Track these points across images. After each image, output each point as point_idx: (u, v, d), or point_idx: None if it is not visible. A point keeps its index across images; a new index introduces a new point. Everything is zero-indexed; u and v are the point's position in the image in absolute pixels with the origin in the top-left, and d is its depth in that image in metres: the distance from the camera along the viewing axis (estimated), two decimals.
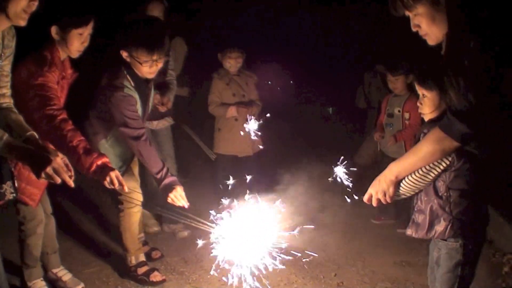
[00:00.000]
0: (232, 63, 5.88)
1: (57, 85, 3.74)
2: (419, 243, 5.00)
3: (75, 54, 3.85)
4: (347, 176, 3.35)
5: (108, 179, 3.44)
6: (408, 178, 2.93)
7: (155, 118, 5.16)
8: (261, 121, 4.52)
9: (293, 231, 3.22)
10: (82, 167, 3.46)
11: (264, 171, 6.03)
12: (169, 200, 3.80)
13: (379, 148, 6.01)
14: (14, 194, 3.14)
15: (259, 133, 4.74)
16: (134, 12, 4.93)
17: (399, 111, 5.73)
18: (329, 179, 3.38)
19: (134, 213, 4.53)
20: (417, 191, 3.03)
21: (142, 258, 4.65)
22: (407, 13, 2.73)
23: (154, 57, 3.93)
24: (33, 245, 4.08)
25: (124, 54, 3.96)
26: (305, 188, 4.00)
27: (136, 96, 4.05)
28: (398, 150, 5.64)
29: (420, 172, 2.91)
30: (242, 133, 5.18)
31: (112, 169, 3.48)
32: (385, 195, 2.92)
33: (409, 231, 3.20)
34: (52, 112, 3.51)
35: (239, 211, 3.10)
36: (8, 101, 3.25)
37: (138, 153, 4.01)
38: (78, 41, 3.77)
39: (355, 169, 3.42)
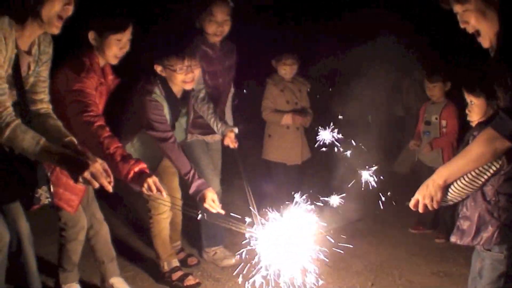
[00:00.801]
0: (287, 69, 5.80)
1: (96, 91, 3.74)
2: (457, 253, 4.94)
3: (113, 60, 3.84)
4: (373, 181, 3.31)
5: (145, 185, 3.45)
6: (457, 182, 2.85)
7: (209, 133, 4.98)
8: (336, 134, 4.46)
9: (331, 239, 3.18)
10: (120, 174, 3.46)
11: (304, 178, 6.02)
12: (206, 207, 3.80)
13: (416, 157, 5.93)
14: (50, 199, 3.15)
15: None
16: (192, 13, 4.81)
17: (436, 118, 5.69)
18: (352, 182, 3.35)
19: (163, 219, 4.57)
20: (464, 196, 2.95)
21: (176, 263, 4.66)
22: (456, 9, 2.68)
23: (186, 63, 4.04)
24: (73, 250, 4.08)
25: (159, 69, 4.09)
26: (342, 196, 3.99)
27: (164, 104, 4.11)
28: (436, 158, 5.58)
29: (470, 176, 2.83)
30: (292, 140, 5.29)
31: (150, 175, 3.48)
32: (432, 200, 2.84)
33: (453, 238, 3.12)
34: (89, 118, 3.52)
35: (278, 219, 3.07)
36: (46, 107, 3.26)
37: (167, 155, 4.07)
38: (116, 47, 3.76)
39: (381, 176, 3.37)
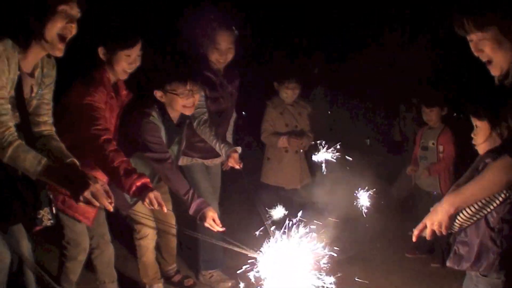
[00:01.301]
0: (289, 93, 5.80)
1: (105, 105, 3.80)
2: (452, 278, 4.93)
3: (122, 75, 3.93)
4: (368, 204, 3.32)
5: (147, 200, 3.50)
6: (466, 210, 2.85)
7: (209, 157, 5.00)
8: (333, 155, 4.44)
9: (328, 265, 3.19)
10: (123, 188, 3.53)
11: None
12: (206, 226, 3.82)
13: (413, 181, 5.95)
14: (52, 221, 3.18)
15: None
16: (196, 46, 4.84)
17: (433, 143, 5.69)
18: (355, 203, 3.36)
19: (147, 242, 4.62)
20: (470, 223, 2.94)
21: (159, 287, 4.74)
22: (472, 37, 2.70)
23: (188, 87, 4.09)
24: (71, 269, 4.10)
25: (159, 94, 4.14)
26: (340, 220, 4.00)
27: (161, 126, 4.16)
28: (433, 183, 5.63)
29: (479, 204, 2.83)
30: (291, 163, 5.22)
31: (152, 190, 3.52)
32: (441, 227, 2.84)
33: (449, 263, 3.12)
34: (96, 132, 3.57)
35: (276, 244, 3.08)
36: (49, 129, 3.31)
37: (164, 176, 4.10)
38: (125, 62, 3.84)
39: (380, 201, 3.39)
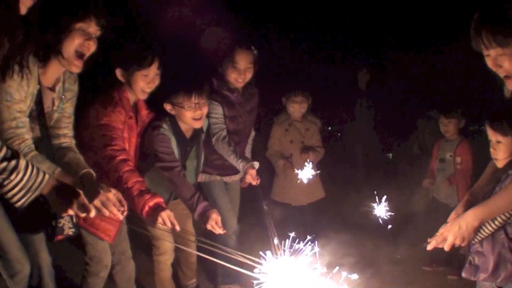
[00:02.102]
0: (296, 108, 5.72)
1: (123, 125, 3.84)
2: None
3: (141, 95, 3.97)
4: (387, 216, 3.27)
5: (160, 219, 3.50)
6: (490, 223, 2.88)
7: (228, 174, 4.98)
8: (318, 171, 4.35)
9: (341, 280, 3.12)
10: (136, 209, 3.55)
11: (317, 216, 5.97)
12: (208, 228, 3.83)
13: (431, 194, 5.94)
14: (74, 230, 3.24)
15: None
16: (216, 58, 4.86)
17: (450, 156, 5.68)
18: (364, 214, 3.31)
19: (165, 260, 4.63)
20: (490, 235, 2.96)
21: None
22: (491, 52, 2.64)
23: (194, 100, 4.11)
24: (92, 284, 4.10)
25: (168, 107, 4.19)
26: (354, 234, 3.94)
27: (172, 138, 4.20)
28: (451, 195, 5.61)
29: (503, 217, 2.86)
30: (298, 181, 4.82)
31: (164, 209, 3.53)
32: (463, 240, 2.81)
33: (465, 274, 3.15)
34: (112, 152, 3.62)
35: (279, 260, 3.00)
36: (69, 141, 3.42)
37: (171, 183, 4.11)
38: (143, 82, 3.88)
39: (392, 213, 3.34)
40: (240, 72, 4.69)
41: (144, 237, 4.50)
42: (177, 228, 3.55)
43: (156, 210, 3.52)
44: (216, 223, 3.81)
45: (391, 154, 11.19)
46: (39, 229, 3.33)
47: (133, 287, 4.36)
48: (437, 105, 6.72)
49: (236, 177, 5.03)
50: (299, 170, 4.64)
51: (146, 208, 3.52)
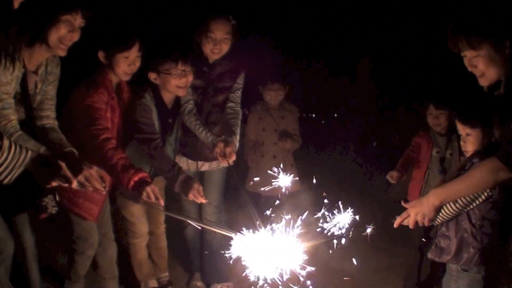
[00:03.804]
0: (272, 95, 5.54)
1: (106, 106, 3.87)
2: None
3: (124, 77, 4.00)
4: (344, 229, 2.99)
5: (144, 193, 3.53)
6: (451, 205, 2.98)
7: (203, 159, 4.68)
8: (294, 177, 3.74)
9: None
10: (122, 185, 3.60)
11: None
12: (190, 197, 3.80)
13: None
14: (56, 208, 3.26)
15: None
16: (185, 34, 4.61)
17: (451, 154, 4.93)
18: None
19: (139, 242, 4.62)
20: (452, 217, 3.07)
21: (153, 284, 4.76)
22: (466, 54, 2.81)
23: (180, 67, 4.11)
24: (79, 263, 4.16)
25: (153, 76, 4.16)
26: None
27: (153, 109, 4.16)
28: None
29: (464, 200, 2.97)
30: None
31: (148, 183, 3.56)
32: (424, 218, 2.91)
33: (431, 255, 3.27)
34: (95, 132, 3.65)
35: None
36: (52, 122, 3.51)
37: (149, 156, 4.04)
38: (124, 64, 3.91)
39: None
40: (216, 42, 4.39)
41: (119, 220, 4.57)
42: (162, 202, 3.60)
43: (141, 184, 3.56)
44: (198, 192, 3.79)
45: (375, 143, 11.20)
46: (22, 209, 3.39)
47: (114, 268, 4.42)
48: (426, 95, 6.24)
49: (214, 165, 4.72)
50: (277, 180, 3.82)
51: (132, 183, 3.55)
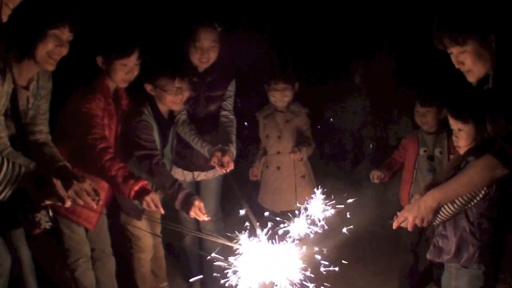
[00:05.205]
0: (278, 96, 4.83)
1: (103, 112, 3.83)
2: None
3: (121, 84, 3.95)
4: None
5: (144, 203, 3.54)
6: (449, 205, 2.98)
7: (199, 169, 4.63)
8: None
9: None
10: (124, 195, 3.60)
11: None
12: (192, 215, 3.72)
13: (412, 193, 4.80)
14: (50, 223, 3.27)
15: None
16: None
17: (440, 152, 4.69)
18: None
19: (144, 257, 4.56)
20: (450, 217, 3.07)
21: None
22: (453, 50, 2.82)
23: (177, 84, 4.03)
24: (81, 278, 4.08)
25: (148, 88, 4.09)
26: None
27: (153, 123, 4.09)
28: None
29: (461, 200, 2.95)
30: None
31: (148, 192, 3.55)
32: (422, 221, 2.93)
33: (429, 256, 3.26)
34: (92, 141, 3.60)
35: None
36: (45, 137, 3.48)
37: (150, 172, 3.92)
38: (122, 71, 3.86)
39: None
40: (203, 51, 4.34)
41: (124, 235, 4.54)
42: (161, 210, 3.60)
43: (142, 193, 3.55)
44: (200, 209, 3.69)
45: (371, 145, 11.12)
46: (17, 225, 3.36)
47: (114, 281, 4.38)
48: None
49: (210, 174, 4.66)
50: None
51: (132, 193, 3.55)
